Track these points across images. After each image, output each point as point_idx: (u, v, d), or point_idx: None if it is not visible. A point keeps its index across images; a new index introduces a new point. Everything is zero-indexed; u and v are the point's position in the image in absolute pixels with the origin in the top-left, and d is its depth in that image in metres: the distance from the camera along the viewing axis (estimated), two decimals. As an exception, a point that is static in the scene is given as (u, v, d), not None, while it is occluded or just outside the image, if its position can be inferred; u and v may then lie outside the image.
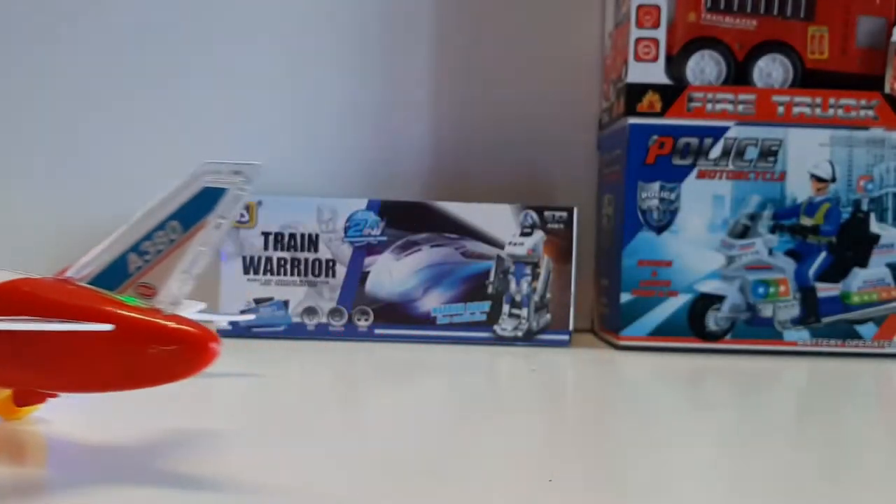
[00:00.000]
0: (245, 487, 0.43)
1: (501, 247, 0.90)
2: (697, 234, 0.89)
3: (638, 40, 0.88)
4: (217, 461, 0.48)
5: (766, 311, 0.89)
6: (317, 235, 0.89)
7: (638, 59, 0.88)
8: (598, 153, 1.02)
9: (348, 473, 0.46)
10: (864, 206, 0.89)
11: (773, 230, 0.89)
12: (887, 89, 0.89)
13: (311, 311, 0.89)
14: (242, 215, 0.89)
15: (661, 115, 0.88)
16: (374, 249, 0.90)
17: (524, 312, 0.90)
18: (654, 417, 0.63)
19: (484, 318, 0.90)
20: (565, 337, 0.90)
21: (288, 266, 0.89)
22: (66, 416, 0.52)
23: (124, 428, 0.51)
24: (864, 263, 0.89)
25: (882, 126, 0.89)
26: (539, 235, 0.90)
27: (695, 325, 0.89)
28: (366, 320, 0.90)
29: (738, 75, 0.90)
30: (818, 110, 0.88)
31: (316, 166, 1.03)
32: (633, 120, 0.88)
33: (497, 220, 0.90)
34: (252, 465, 0.47)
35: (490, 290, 0.90)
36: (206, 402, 0.62)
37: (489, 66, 1.04)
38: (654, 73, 0.88)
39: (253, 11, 1.03)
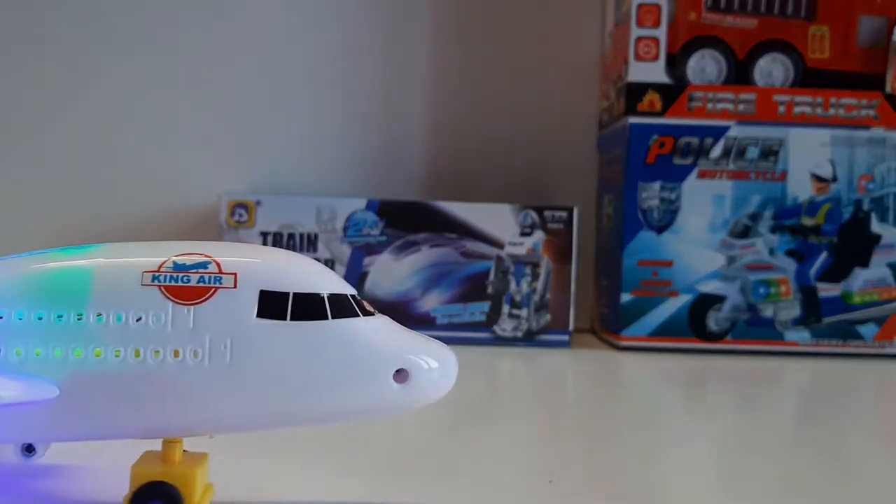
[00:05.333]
0: (246, 485, 0.43)
1: (501, 247, 0.90)
2: (698, 234, 0.89)
3: (638, 39, 0.88)
4: (218, 459, 0.48)
5: (767, 311, 0.89)
6: (316, 235, 0.89)
7: (638, 58, 0.88)
8: (598, 153, 1.02)
9: (348, 473, 0.46)
10: (866, 206, 0.89)
11: (773, 230, 0.88)
12: (888, 89, 0.89)
13: (310, 311, 0.89)
14: (241, 215, 0.89)
15: (661, 114, 0.88)
16: (373, 249, 0.89)
17: (524, 313, 0.90)
18: (654, 418, 0.63)
19: (483, 318, 0.90)
20: (565, 337, 0.90)
21: (287, 266, 0.89)
22: None
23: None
24: (865, 263, 0.89)
25: (883, 126, 0.89)
26: (539, 235, 0.90)
27: (695, 326, 0.89)
28: (365, 320, 0.89)
29: (739, 75, 0.89)
30: (819, 110, 0.88)
31: (315, 166, 1.03)
32: (633, 119, 0.88)
33: (497, 219, 0.90)
34: (252, 466, 0.47)
35: (490, 290, 0.90)
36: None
37: (489, 66, 1.04)
38: (655, 72, 0.88)
39: (254, 12, 1.03)
